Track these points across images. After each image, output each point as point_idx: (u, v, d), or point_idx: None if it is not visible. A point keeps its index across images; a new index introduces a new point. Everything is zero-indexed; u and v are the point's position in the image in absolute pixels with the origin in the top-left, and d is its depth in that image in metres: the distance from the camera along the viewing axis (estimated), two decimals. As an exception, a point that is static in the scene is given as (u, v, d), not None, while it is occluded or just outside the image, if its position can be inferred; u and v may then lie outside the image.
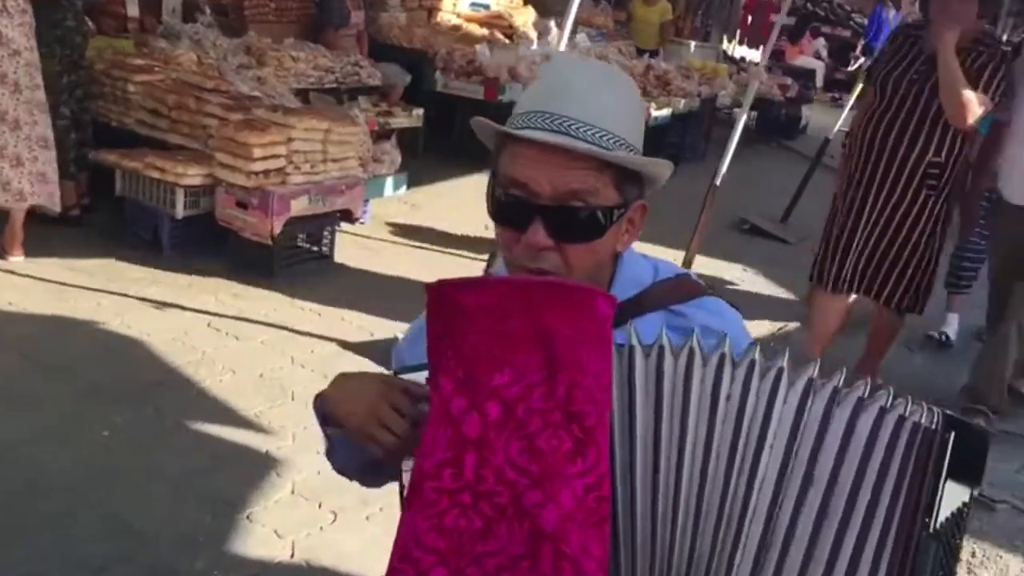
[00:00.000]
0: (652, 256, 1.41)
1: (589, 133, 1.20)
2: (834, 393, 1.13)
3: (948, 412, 1.15)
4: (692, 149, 8.73)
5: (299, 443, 3.32)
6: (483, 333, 1.05)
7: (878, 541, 1.11)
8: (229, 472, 3.10)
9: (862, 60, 13.86)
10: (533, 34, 8.82)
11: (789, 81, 10.36)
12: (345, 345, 4.14)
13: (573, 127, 1.19)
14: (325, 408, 1.37)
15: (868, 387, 1.14)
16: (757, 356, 1.13)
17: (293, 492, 3.05)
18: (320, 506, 2.99)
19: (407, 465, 1.25)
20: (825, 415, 1.12)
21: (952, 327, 5.18)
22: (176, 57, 5.81)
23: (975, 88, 3.53)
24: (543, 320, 1.04)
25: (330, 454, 1.50)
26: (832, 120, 9.10)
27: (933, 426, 1.12)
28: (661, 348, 1.12)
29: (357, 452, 1.35)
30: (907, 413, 1.13)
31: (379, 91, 7.05)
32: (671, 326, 1.32)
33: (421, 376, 1.24)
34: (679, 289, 1.36)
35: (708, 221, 5.12)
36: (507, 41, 8.60)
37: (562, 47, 3.91)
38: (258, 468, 3.15)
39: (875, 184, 3.80)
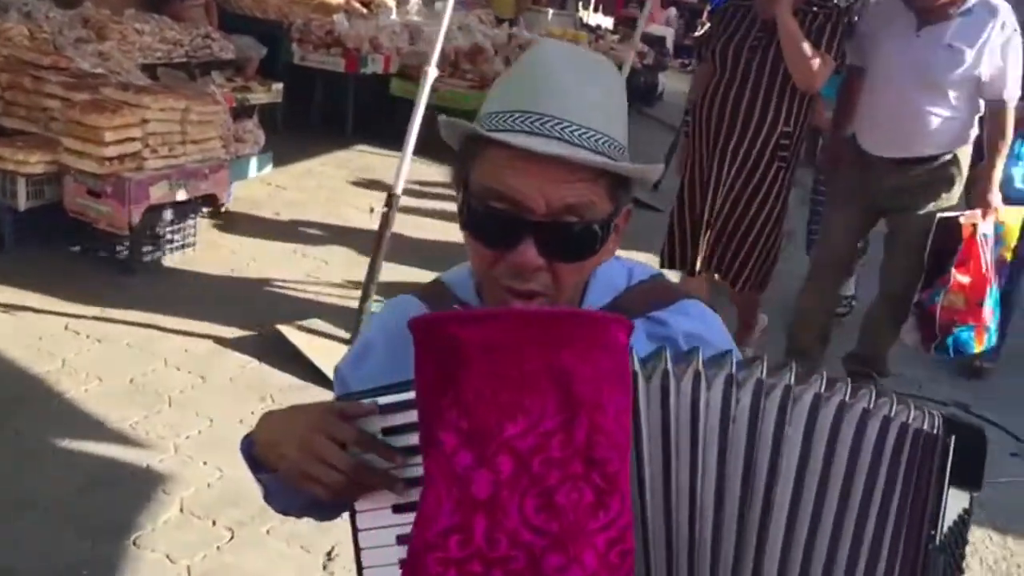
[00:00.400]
0: (623, 257, 1.30)
1: (587, 138, 1.05)
2: (841, 406, 1.05)
3: (946, 414, 1.10)
4: (557, 119, 8.68)
5: (183, 454, 3.07)
6: (489, 376, 0.90)
7: (888, 556, 1.05)
8: (108, 493, 2.82)
9: (708, 26, 14.14)
10: (392, 3, 8.54)
11: (646, 48, 10.46)
12: (222, 342, 3.87)
13: (567, 130, 1.05)
14: (254, 453, 1.20)
15: (873, 396, 1.07)
16: (764, 375, 1.04)
17: (182, 510, 2.80)
18: (214, 523, 2.76)
19: (362, 505, 1.11)
20: (832, 431, 1.05)
21: None
22: (5, 31, 5.26)
23: (816, 47, 3.49)
24: (559, 358, 0.90)
25: (268, 499, 1.33)
26: (687, 86, 9.27)
27: (934, 431, 1.07)
28: (666, 373, 1.01)
29: (299, 491, 1.19)
30: (910, 420, 1.07)
31: (233, 65, 6.64)
32: (653, 335, 1.23)
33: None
34: (656, 293, 1.26)
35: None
36: (365, 10, 8.28)
37: (446, 18, 3.72)
38: (140, 486, 2.88)
39: (727, 160, 3.71)
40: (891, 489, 1.05)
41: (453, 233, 5.84)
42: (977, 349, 3.82)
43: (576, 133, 1.05)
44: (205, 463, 3.03)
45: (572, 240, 1.07)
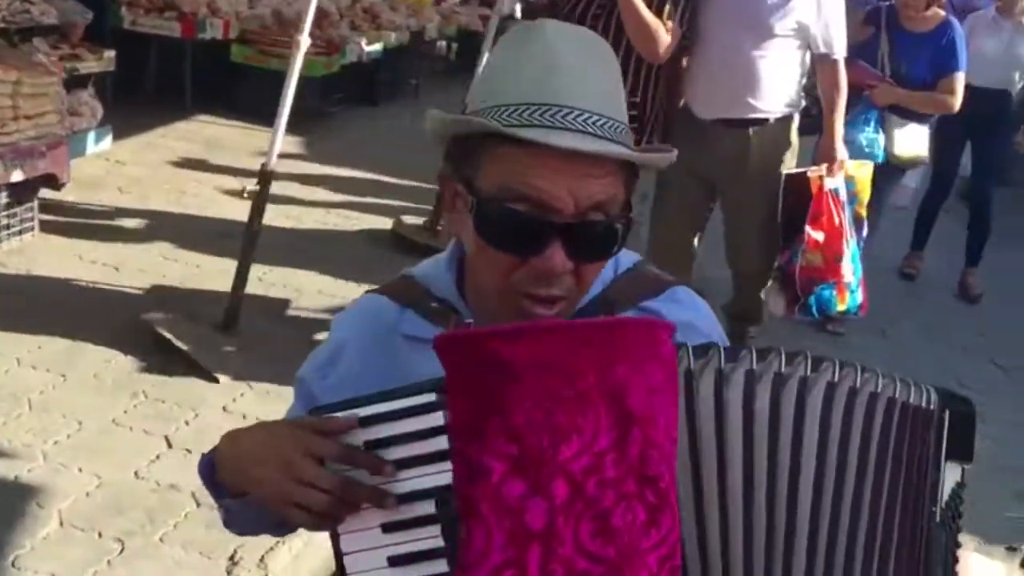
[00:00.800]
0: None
1: (609, 127, 1.00)
2: (851, 392, 1.05)
3: (939, 388, 1.12)
4: (405, 85, 8.52)
5: (54, 461, 2.82)
6: (542, 396, 0.84)
7: (898, 537, 1.07)
8: (-26, 512, 2.57)
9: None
10: (225, -37, 8.07)
11: (490, 11, 10.38)
12: (79, 335, 3.56)
13: (590, 121, 0.98)
14: (221, 478, 1.10)
15: (879, 378, 1.08)
16: (782, 368, 1.03)
17: (62, 523, 2.58)
18: (100, 535, 2.56)
19: (346, 526, 1.03)
20: (846, 419, 1.05)
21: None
22: None
23: (659, 16, 3.31)
24: (614, 372, 0.85)
25: (228, 523, 1.22)
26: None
27: (931, 407, 1.09)
28: (689, 372, 0.98)
29: (267, 513, 1.10)
30: (910, 399, 1.08)
31: (56, 31, 6.12)
32: None
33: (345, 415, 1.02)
34: (644, 282, 1.22)
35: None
36: (197, -29, 7.80)
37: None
38: (11, 500, 2.64)
39: None
40: (897, 469, 1.06)
41: (306, 216, 5.56)
42: (840, 308, 3.90)
43: (599, 123, 0.99)
44: (80, 470, 2.80)
45: (598, 239, 1.02)
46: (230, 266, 3.97)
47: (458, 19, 9.63)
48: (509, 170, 0.99)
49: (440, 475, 0.99)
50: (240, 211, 5.10)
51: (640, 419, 0.86)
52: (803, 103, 3.73)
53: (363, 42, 7.53)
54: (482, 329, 0.91)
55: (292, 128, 6.77)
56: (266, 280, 4.26)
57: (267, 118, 6.88)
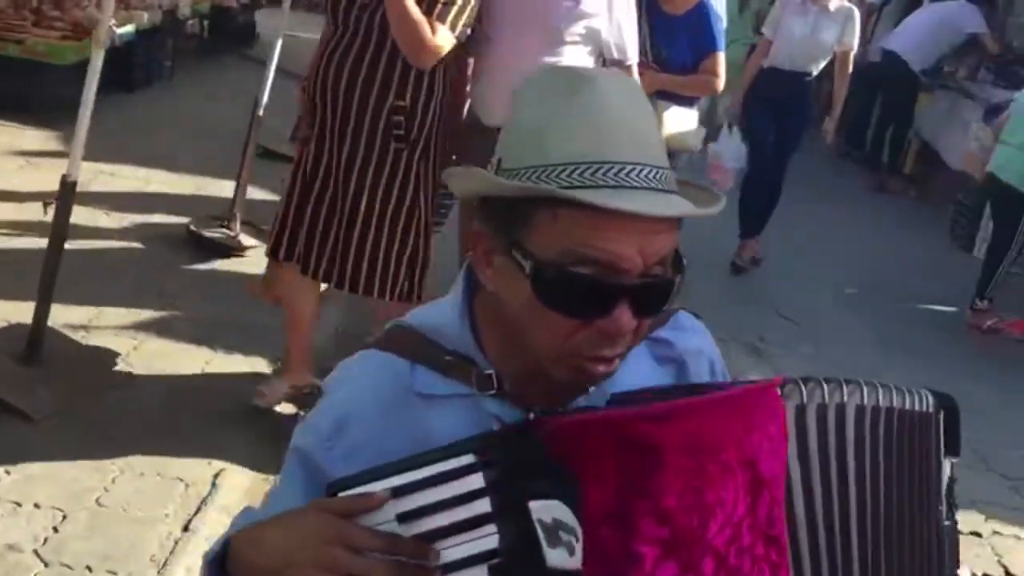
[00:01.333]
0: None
1: (667, 179, 0.99)
2: (875, 412, 1.11)
3: (931, 390, 1.20)
4: (160, 68, 7.94)
5: None
6: (692, 475, 0.82)
7: (920, 537, 1.14)
8: None
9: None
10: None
11: (243, -14, 9.88)
12: None
13: (652, 175, 0.97)
14: None
15: (892, 394, 1.14)
16: (826, 398, 1.07)
17: None
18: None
19: None
20: (873, 439, 1.10)
21: None
22: None
23: (429, 14, 2.87)
24: (750, 441, 0.85)
25: None
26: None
27: (929, 411, 1.15)
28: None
29: None
30: (916, 407, 1.14)
31: None
32: (658, 357, 1.21)
33: (373, 488, 0.96)
34: None
35: (253, 155, 4.81)
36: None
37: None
38: None
39: (335, 139, 3.06)
40: (914, 475, 1.13)
41: (87, 223, 5.05)
42: None
43: (658, 176, 0.98)
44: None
45: (659, 293, 1.00)
46: (3, 289, 3.59)
47: (214, -3, 9.10)
48: (571, 233, 0.95)
49: (485, 539, 0.97)
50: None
51: (768, 481, 0.88)
52: None
53: (113, 23, 6.91)
54: (618, 412, 0.88)
55: (46, 122, 6.19)
56: (58, 300, 3.86)
57: (11, 112, 6.24)
